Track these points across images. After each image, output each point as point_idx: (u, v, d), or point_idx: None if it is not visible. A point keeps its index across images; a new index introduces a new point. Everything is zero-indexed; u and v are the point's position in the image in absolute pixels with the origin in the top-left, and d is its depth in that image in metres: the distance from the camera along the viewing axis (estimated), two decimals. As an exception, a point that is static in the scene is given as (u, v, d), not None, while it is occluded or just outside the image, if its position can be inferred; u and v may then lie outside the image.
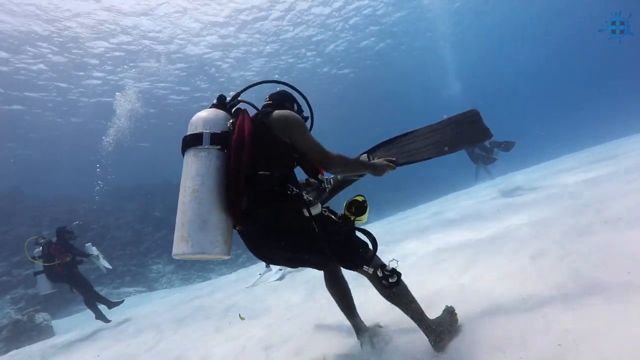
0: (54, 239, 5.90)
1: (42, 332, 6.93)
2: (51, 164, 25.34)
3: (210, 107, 1.78)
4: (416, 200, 17.47)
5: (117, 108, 18.13)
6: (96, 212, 16.22)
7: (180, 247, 1.49)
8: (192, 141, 1.62)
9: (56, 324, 8.20)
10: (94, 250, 6.10)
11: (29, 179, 21.77)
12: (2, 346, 6.58)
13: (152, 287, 12.03)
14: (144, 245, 14.18)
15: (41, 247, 5.82)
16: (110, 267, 6.62)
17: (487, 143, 8.76)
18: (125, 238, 14.14)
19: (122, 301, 6.52)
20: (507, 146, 8.75)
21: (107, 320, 6.00)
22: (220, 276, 13.13)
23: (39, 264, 5.67)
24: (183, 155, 1.65)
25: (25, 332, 6.74)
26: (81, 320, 8.59)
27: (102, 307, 6.38)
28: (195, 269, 13.45)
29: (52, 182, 24.49)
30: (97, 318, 6.03)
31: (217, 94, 1.87)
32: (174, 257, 1.54)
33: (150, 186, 19.59)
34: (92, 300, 6.02)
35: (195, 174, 1.54)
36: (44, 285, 5.68)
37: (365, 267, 1.72)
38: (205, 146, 1.59)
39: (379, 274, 1.72)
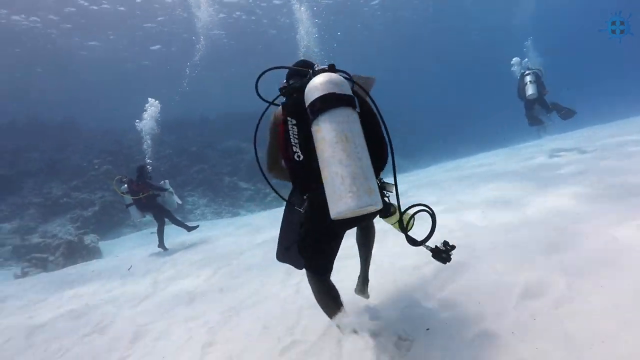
0: (134, 177, 6.68)
1: (91, 252, 8.02)
2: (99, 94, 26.82)
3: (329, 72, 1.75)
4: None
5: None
6: (138, 142, 17.32)
7: (363, 199, 1.45)
8: (348, 101, 1.62)
9: (103, 245, 9.48)
10: (168, 186, 6.84)
11: (79, 109, 23.41)
12: (60, 260, 7.77)
13: (186, 218, 13.18)
14: (181, 178, 15.20)
15: (126, 184, 6.59)
16: (180, 202, 7.38)
17: (549, 104, 8.07)
18: (164, 170, 15.18)
19: (198, 226, 7.24)
20: (566, 114, 7.96)
21: (165, 249, 6.80)
22: (250, 213, 13.99)
23: (128, 198, 6.53)
24: (325, 111, 1.58)
25: (77, 252, 7.84)
26: (133, 241, 9.79)
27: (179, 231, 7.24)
28: (225, 204, 14.39)
29: (102, 112, 26.18)
30: (159, 246, 6.81)
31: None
32: (343, 213, 1.48)
33: (187, 122, 20.24)
34: (161, 230, 6.82)
35: (358, 133, 1.59)
36: (136, 214, 6.64)
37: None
38: (357, 110, 1.66)
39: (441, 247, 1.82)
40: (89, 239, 8.41)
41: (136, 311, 3.65)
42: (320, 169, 1.56)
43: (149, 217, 7.23)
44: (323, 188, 1.55)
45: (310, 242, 1.86)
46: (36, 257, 7.88)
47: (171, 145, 17.61)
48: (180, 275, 4.86)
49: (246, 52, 22.51)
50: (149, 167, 6.89)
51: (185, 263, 5.51)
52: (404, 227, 1.84)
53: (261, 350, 2.26)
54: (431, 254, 1.83)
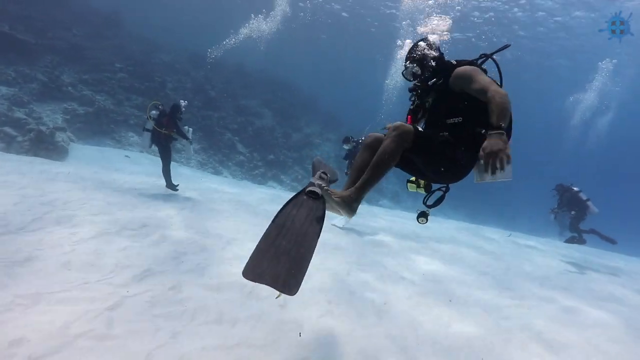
0: (168, 111, 6.67)
1: (56, 150, 8.09)
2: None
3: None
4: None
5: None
6: (166, 65, 17.32)
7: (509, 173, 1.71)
8: None
9: (77, 147, 9.58)
10: (190, 135, 6.86)
11: (129, 9, 23.35)
12: (26, 145, 7.87)
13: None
14: (187, 115, 15.14)
15: (158, 113, 6.56)
16: (194, 155, 7.35)
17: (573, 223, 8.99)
18: (173, 100, 15.17)
19: (177, 190, 7.10)
20: (578, 241, 8.82)
21: (176, 189, 6.98)
22: (232, 177, 13.98)
23: (151, 124, 6.49)
24: None
25: (44, 144, 7.91)
26: (103, 155, 9.95)
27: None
28: (214, 159, 14.39)
29: (151, 20, 26.04)
30: (167, 187, 6.94)
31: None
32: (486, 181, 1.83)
33: (222, 64, 20.01)
34: (168, 170, 6.88)
35: None
36: (146, 141, 6.61)
37: None
38: None
39: None
40: (61, 136, 8.48)
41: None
42: None
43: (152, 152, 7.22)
44: None
45: None
46: (5, 132, 7.99)
47: (194, 80, 17.54)
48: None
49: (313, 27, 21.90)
50: (184, 109, 6.87)
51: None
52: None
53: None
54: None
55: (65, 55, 13.42)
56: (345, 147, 7.55)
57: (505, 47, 2.15)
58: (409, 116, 2.32)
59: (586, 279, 6.93)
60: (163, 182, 7.17)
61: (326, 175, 2.19)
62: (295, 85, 23.64)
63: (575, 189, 9.28)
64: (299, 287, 1.57)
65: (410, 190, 2.46)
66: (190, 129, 7.00)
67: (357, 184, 1.93)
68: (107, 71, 14.01)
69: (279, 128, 18.04)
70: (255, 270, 1.59)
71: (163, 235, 4.36)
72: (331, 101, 29.15)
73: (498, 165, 1.59)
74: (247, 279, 1.60)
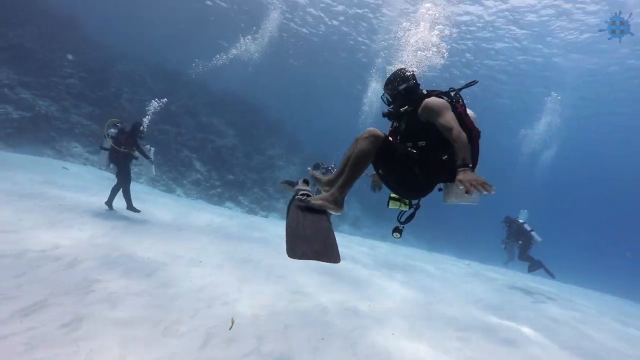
0: (128, 129, 6.52)
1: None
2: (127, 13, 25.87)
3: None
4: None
5: None
6: (124, 75, 16.54)
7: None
8: None
9: (7, 156, 8.56)
10: (152, 155, 6.73)
11: (89, 13, 22.40)
12: None
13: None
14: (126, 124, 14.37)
15: (117, 131, 6.40)
16: (155, 174, 7.46)
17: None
18: (126, 114, 14.36)
19: (139, 211, 6.75)
20: (531, 268, 9.69)
21: (137, 211, 6.65)
22: (185, 196, 13.22)
23: (108, 143, 6.32)
24: None
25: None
26: (36, 165, 8.93)
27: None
28: (168, 176, 13.61)
29: (115, 27, 25.14)
30: (127, 208, 6.59)
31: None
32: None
33: (185, 79, 19.55)
34: (127, 191, 6.60)
35: None
36: (103, 160, 6.44)
37: None
38: None
39: None
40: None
41: None
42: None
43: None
44: None
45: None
46: None
47: (154, 93, 16.82)
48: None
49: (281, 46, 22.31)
50: (144, 128, 6.65)
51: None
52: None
53: None
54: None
55: (8, 51, 12.31)
56: (317, 173, 7.62)
57: (473, 83, 2.34)
58: (390, 137, 2.46)
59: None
60: (98, 199, 6.55)
61: (307, 183, 2.40)
62: (261, 106, 23.62)
63: (520, 220, 10.22)
64: (339, 255, 1.76)
65: (391, 207, 2.49)
66: (152, 148, 6.80)
67: (337, 184, 2.05)
68: (55, 75, 13.02)
69: (241, 148, 17.64)
70: (296, 252, 1.72)
71: (76, 259, 3.80)
72: (297, 125, 29.41)
73: (482, 190, 1.74)
74: (294, 258, 1.72)
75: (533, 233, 9.84)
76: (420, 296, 6.06)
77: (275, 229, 9.91)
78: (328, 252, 1.74)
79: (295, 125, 27.97)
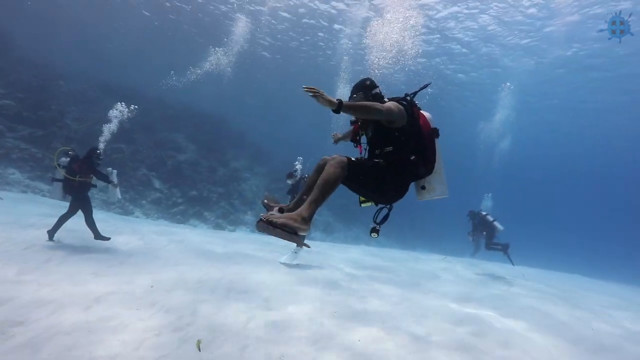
0: (82, 156, 6.10)
1: None
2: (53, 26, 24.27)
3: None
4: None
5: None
6: (69, 94, 15.49)
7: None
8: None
9: None
10: (114, 178, 6.30)
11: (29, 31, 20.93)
12: None
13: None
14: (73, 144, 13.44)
15: (69, 159, 5.99)
16: (120, 197, 6.87)
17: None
18: (75, 137, 13.38)
19: (109, 239, 6.33)
20: (503, 249, 10.39)
21: (106, 239, 6.24)
22: (145, 216, 12.46)
23: (61, 173, 5.90)
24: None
25: None
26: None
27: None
28: (124, 197, 12.75)
29: (52, 45, 23.58)
30: (95, 238, 6.18)
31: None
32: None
33: (141, 94, 18.69)
34: (91, 220, 6.17)
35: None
36: (57, 192, 5.99)
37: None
38: None
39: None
40: None
41: None
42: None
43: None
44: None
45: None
46: None
47: (105, 110, 15.86)
48: None
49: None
50: (101, 152, 6.26)
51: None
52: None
53: None
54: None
55: None
56: (289, 182, 7.78)
57: (425, 86, 2.49)
58: (359, 145, 2.54)
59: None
60: (35, 230, 5.87)
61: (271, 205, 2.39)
62: (222, 118, 23.06)
63: (483, 213, 10.80)
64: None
65: (363, 206, 2.58)
66: (115, 171, 6.37)
67: (307, 203, 2.04)
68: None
69: (203, 162, 17.01)
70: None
71: (-5, 300, 3.30)
72: (263, 134, 28.99)
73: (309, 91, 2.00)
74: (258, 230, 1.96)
75: (495, 223, 10.50)
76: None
77: (242, 245, 9.50)
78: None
79: (260, 135, 27.58)
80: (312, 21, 17.84)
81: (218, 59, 17.74)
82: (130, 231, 7.96)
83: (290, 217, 1.95)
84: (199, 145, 17.97)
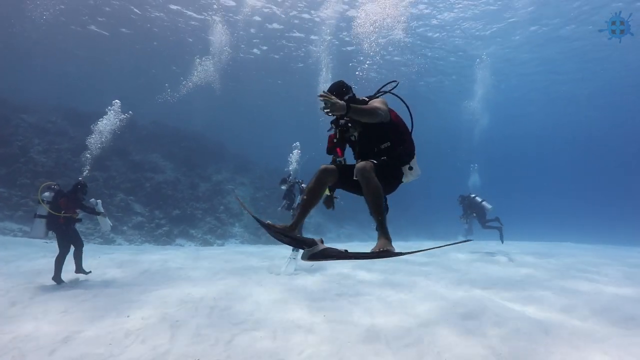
0: (67, 191, 5.89)
1: None
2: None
3: None
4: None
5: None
6: (31, 126, 14.87)
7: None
8: None
9: None
10: (101, 208, 6.09)
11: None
12: None
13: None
14: (64, 179, 12.88)
15: (53, 194, 5.75)
16: (112, 225, 6.76)
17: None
18: (42, 170, 12.79)
19: (90, 272, 6.21)
20: (498, 227, 10.68)
21: (86, 272, 6.12)
22: (128, 242, 11.99)
23: (45, 209, 5.62)
24: None
25: None
26: None
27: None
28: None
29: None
30: (76, 272, 6.01)
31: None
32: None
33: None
34: (79, 254, 6.06)
35: None
36: (39, 230, 5.68)
37: None
38: None
39: None
40: None
41: None
42: None
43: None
44: None
45: None
46: None
47: (73, 140, 15.30)
48: None
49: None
50: (85, 185, 6.09)
51: None
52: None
53: None
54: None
55: None
56: (283, 187, 7.88)
57: (392, 82, 2.59)
58: (337, 148, 2.54)
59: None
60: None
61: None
62: (198, 133, 22.62)
63: (472, 195, 10.95)
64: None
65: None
66: (99, 201, 6.16)
67: (382, 226, 2.21)
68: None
69: (184, 179, 16.57)
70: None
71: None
72: (246, 143, 28.60)
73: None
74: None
75: (484, 203, 10.67)
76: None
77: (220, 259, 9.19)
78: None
79: (241, 144, 27.18)
80: (281, 27, 17.73)
81: (199, 72, 17.47)
82: (107, 261, 7.58)
83: (379, 246, 2.14)
84: (178, 163, 17.52)
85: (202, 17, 17.62)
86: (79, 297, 4.99)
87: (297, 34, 18.69)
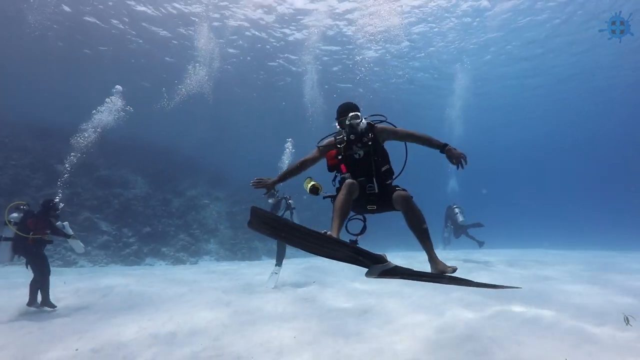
0: (37, 211, 5.50)
1: None
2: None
3: None
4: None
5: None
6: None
7: None
8: None
9: None
10: (70, 230, 5.73)
11: None
12: None
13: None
14: (23, 197, 11.98)
15: (21, 214, 5.38)
16: (84, 248, 6.33)
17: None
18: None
19: (56, 307, 5.55)
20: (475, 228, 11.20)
21: (53, 306, 5.49)
22: (92, 264, 11.20)
23: (12, 230, 5.21)
24: None
25: None
26: None
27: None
28: (64, 248, 11.43)
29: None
30: (41, 304, 5.45)
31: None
32: None
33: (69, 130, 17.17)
34: (46, 283, 5.50)
35: None
36: (5, 254, 5.23)
37: None
38: None
39: None
40: None
41: None
42: None
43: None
44: None
45: None
46: None
47: (32, 154, 14.39)
48: None
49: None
50: (57, 204, 5.62)
51: None
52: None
53: None
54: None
55: None
56: (270, 201, 7.56)
57: (379, 115, 2.86)
58: (342, 165, 2.72)
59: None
60: None
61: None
62: (169, 147, 21.94)
63: (453, 205, 11.20)
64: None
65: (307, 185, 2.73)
66: (65, 223, 5.76)
67: (430, 256, 2.51)
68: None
69: (155, 195, 15.88)
70: None
71: None
72: (220, 156, 27.87)
73: (464, 162, 2.47)
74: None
75: (457, 215, 10.83)
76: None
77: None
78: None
79: (217, 157, 26.52)
80: (263, 34, 17.63)
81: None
82: (62, 285, 6.96)
83: (447, 270, 2.40)
84: (149, 179, 16.81)
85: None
86: (23, 329, 4.49)
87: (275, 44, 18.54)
